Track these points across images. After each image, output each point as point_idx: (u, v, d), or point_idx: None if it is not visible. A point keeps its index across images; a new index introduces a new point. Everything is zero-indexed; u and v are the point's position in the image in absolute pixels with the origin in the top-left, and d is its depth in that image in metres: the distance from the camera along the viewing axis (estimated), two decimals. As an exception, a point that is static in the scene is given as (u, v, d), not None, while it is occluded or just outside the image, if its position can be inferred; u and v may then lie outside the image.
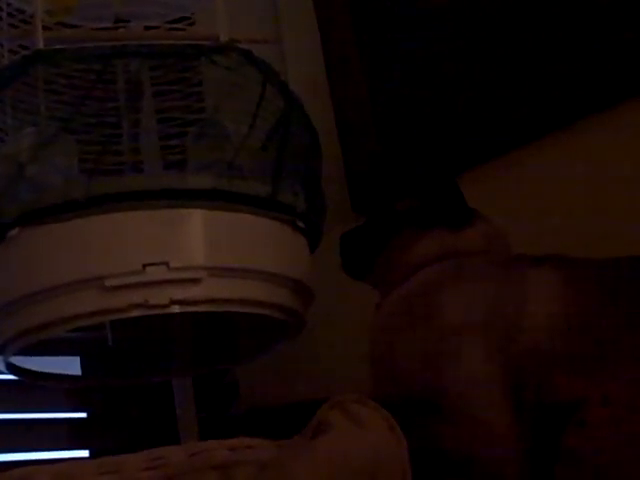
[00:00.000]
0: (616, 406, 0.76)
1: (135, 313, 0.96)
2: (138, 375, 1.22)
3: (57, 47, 1.02)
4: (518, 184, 1.23)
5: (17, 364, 1.09)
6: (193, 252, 0.99)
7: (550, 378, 0.80)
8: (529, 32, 1.23)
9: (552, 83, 1.20)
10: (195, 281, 0.97)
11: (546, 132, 1.21)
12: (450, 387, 0.85)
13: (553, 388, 0.80)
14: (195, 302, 0.98)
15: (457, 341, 0.86)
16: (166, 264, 0.96)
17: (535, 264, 0.89)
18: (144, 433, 1.34)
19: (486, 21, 1.28)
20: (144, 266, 0.95)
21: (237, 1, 1.09)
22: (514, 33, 1.25)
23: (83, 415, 1.37)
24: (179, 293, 0.97)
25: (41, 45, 1.01)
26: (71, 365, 1.24)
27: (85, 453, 1.33)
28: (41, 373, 1.14)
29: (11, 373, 1.11)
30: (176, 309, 0.98)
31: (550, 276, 0.87)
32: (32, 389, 1.24)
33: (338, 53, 1.45)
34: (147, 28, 1.15)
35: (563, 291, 0.85)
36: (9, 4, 1.11)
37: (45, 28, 1.02)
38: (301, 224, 1.07)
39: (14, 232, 0.97)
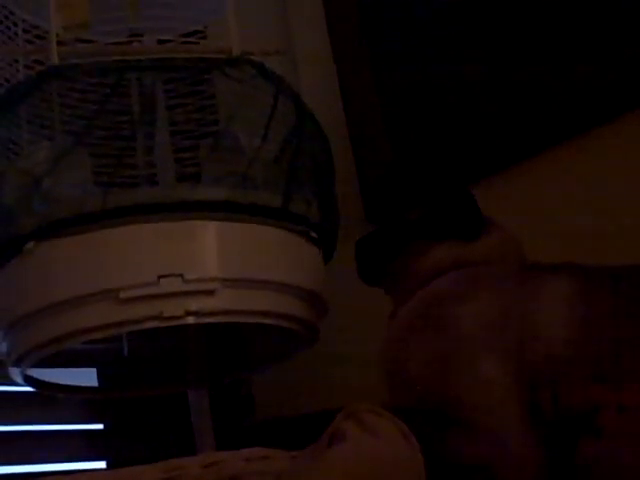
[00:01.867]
0: (632, 413, 0.75)
1: (150, 325, 0.97)
2: (154, 386, 1.23)
3: (71, 62, 1.03)
4: (533, 193, 1.23)
5: (34, 376, 1.10)
6: (207, 264, 1.00)
7: (566, 386, 0.80)
8: (545, 42, 1.23)
9: (569, 91, 1.20)
10: (210, 292, 0.97)
11: (560, 141, 1.21)
12: (466, 398, 0.84)
13: (569, 396, 0.79)
14: (210, 313, 0.99)
15: (472, 351, 0.86)
16: (181, 276, 0.96)
17: (550, 273, 0.89)
18: (160, 444, 1.35)
19: (501, 29, 1.28)
20: (159, 278, 0.96)
21: (248, 13, 1.10)
22: (529, 43, 1.25)
23: (100, 426, 1.37)
24: (194, 304, 0.97)
25: (56, 60, 1.02)
26: (87, 377, 1.24)
27: (102, 464, 1.33)
28: (58, 385, 1.15)
29: (28, 385, 1.12)
30: (191, 320, 0.98)
31: (565, 285, 0.86)
32: (49, 401, 1.25)
33: (350, 63, 1.46)
34: (160, 42, 1.15)
35: (578, 299, 0.85)
36: (24, 20, 1.12)
37: (60, 43, 1.03)
38: (314, 235, 1.08)
39: (30, 245, 0.98)
